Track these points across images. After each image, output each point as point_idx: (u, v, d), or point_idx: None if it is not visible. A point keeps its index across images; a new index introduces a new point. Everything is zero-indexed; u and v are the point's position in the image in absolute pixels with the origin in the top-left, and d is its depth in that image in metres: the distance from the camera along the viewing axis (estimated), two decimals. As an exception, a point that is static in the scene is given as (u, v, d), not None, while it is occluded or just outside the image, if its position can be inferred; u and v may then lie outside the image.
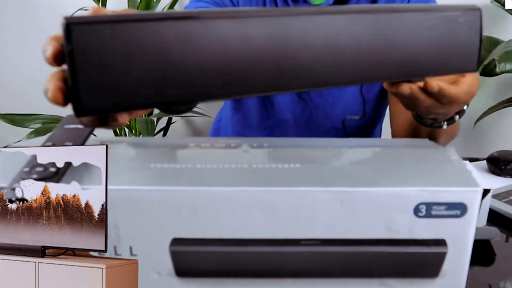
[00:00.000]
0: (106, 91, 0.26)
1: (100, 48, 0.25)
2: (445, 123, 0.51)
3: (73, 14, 1.58)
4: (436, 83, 0.42)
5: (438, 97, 0.43)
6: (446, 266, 0.35)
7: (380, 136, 0.98)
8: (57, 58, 0.27)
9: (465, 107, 0.50)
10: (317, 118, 0.84)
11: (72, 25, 0.25)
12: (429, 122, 0.51)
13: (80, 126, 0.39)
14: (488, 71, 1.35)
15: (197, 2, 0.80)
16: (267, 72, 0.31)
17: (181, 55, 0.27)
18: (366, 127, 0.89)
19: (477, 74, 0.45)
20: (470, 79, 0.44)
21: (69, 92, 0.27)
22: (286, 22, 0.31)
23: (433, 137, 0.56)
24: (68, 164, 0.35)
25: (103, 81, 0.26)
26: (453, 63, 0.37)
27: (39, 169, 0.33)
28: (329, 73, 0.32)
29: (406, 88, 0.40)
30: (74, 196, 0.32)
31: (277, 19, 0.31)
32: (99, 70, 0.26)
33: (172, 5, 1.60)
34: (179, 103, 0.29)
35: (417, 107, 0.46)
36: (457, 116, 0.50)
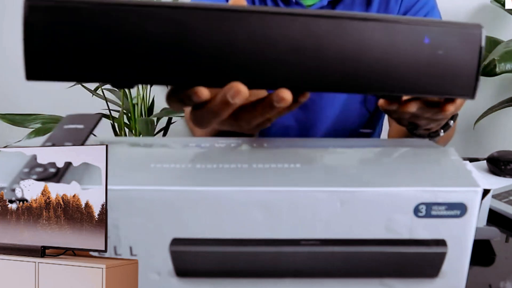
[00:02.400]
0: (47, 61, 0.31)
1: (45, 24, 0.30)
2: (441, 130, 0.50)
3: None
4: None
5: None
6: (446, 266, 0.35)
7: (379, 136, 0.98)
8: None
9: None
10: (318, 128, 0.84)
11: (26, 2, 0.30)
12: (425, 133, 0.50)
13: (80, 126, 0.39)
14: (488, 71, 1.35)
15: None
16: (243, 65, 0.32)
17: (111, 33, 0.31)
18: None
19: None
20: None
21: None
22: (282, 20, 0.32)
23: None
24: (68, 164, 0.35)
25: (45, 52, 0.31)
26: (445, 86, 0.34)
27: (39, 169, 0.33)
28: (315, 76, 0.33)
29: (394, 106, 0.39)
30: (74, 196, 0.33)
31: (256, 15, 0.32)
32: (43, 43, 0.30)
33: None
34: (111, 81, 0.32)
35: (407, 122, 0.45)
36: (452, 121, 0.50)
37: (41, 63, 0.31)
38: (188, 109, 0.37)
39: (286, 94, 0.32)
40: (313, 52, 0.32)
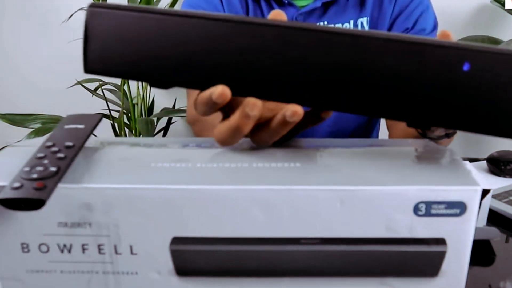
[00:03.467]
0: (105, 59, 0.36)
1: (104, 27, 0.35)
2: (451, 131, 0.50)
3: (73, 14, 1.58)
4: None
5: None
6: (446, 265, 0.35)
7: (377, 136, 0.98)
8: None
9: None
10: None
11: (89, 7, 0.36)
12: (434, 136, 0.50)
13: (81, 126, 0.39)
14: (488, 71, 1.34)
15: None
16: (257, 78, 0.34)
17: (165, 42, 0.35)
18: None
19: None
20: None
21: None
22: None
23: None
24: (68, 163, 0.35)
25: (105, 50, 0.35)
26: (485, 122, 0.31)
27: (39, 168, 0.33)
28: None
29: None
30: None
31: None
32: (103, 42, 0.35)
33: (172, 5, 1.60)
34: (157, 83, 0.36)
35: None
36: None
37: (97, 60, 0.36)
38: (193, 113, 0.39)
39: (297, 108, 0.34)
40: (350, 73, 0.32)
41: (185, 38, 0.34)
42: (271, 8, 0.79)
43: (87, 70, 0.36)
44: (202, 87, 0.36)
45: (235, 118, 0.35)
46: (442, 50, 0.31)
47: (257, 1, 0.80)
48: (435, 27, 0.81)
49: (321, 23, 0.80)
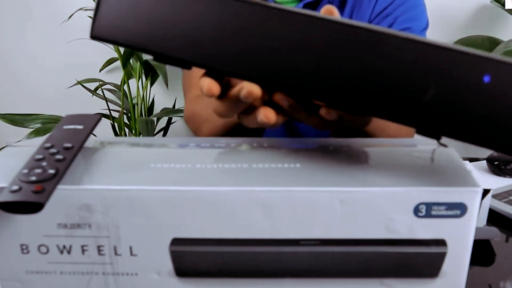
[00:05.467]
0: (115, 25, 0.35)
1: None
2: None
3: (73, 14, 1.58)
4: None
5: None
6: (446, 266, 0.35)
7: None
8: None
9: None
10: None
11: None
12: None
13: (80, 127, 0.39)
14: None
15: None
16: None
17: (186, 16, 0.33)
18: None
19: None
20: None
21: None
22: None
23: None
24: (67, 165, 0.35)
25: (116, 16, 0.34)
26: (498, 138, 0.29)
27: (38, 171, 0.33)
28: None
29: None
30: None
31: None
32: (116, 7, 0.34)
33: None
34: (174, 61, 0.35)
35: None
36: None
37: (106, 25, 0.35)
38: (188, 110, 0.38)
39: (254, 88, 0.34)
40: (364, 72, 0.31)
41: (205, 15, 0.33)
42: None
43: (94, 34, 0.35)
44: (208, 66, 0.34)
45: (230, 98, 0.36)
46: (461, 57, 0.29)
47: None
48: (425, 27, 0.80)
49: None
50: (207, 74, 0.36)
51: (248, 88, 0.34)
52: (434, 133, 0.31)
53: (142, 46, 0.35)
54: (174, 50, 0.34)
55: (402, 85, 0.30)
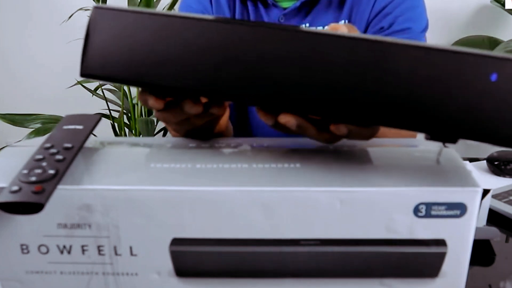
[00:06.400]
0: (103, 62, 0.34)
1: (108, 28, 0.34)
2: None
3: (72, 14, 1.58)
4: None
5: None
6: (446, 266, 0.35)
7: None
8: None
9: None
10: None
11: (94, 8, 0.34)
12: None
13: (79, 127, 0.39)
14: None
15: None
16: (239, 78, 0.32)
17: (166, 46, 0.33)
18: None
19: None
20: None
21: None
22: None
23: None
24: (67, 165, 0.35)
25: (103, 53, 0.34)
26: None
27: (38, 171, 0.33)
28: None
29: None
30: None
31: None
32: (103, 44, 0.34)
33: (172, 5, 1.60)
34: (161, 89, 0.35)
35: None
36: None
37: (96, 63, 0.34)
38: None
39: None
40: (371, 79, 0.31)
41: (202, 42, 0.32)
42: (256, 9, 0.80)
43: (84, 72, 0.35)
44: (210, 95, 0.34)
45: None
46: (467, 57, 0.29)
47: (243, 3, 0.80)
48: (424, 28, 0.79)
49: (304, 25, 0.79)
50: (149, 92, 0.37)
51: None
52: (450, 137, 0.30)
53: (136, 78, 0.34)
54: (169, 79, 0.33)
55: (416, 93, 0.30)
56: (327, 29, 0.39)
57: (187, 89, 0.33)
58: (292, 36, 0.31)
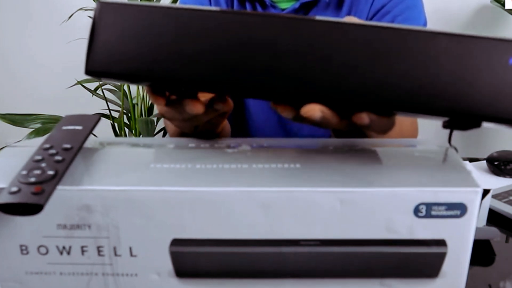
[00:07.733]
0: (110, 58, 0.33)
1: (114, 23, 0.33)
2: None
3: (73, 14, 1.58)
4: None
5: None
6: (446, 266, 0.35)
7: None
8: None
9: None
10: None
11: (99, 3, 0.33)
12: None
13: (79, 127, 0.39)
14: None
15: None
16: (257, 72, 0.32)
17: (172, 38, 0.32)
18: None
19: None
20: None
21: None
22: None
23: None
24: (66, 166, 0.35)
25: (110, 48, 0.33)
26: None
27: (37, 172, 0.33)
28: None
29: None
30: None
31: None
32: (109, 40, 0.33)
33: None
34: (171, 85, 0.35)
35: None
36: None
37: (102, 60, 0.33)
38: None
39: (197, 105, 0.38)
40: (383, 66, 0.31)
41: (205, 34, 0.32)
42: (255, 9, 0.80)
43: (90, 69, 0.34)
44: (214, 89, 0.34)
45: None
46: (485, 42, 0.30)
47: (242, 3, 0.80)
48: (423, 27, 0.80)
49: None
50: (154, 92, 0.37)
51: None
52: (474, 122, 0.31)
53: (147, 73, 0.33)
54: (182, 73, 0.33)
55: (440, 78, 0.30)
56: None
57: (200, 82, 0.33)
58: (311, 26, 0.31)
